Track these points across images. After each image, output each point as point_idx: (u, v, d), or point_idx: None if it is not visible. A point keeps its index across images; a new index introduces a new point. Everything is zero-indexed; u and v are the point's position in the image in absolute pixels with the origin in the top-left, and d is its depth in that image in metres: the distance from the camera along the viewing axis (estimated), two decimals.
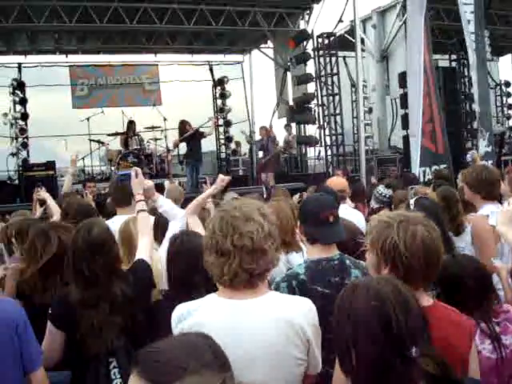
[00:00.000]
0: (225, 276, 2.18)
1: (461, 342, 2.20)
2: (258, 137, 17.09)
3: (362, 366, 1.72)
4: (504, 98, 22.93)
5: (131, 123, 15.45)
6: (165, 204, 4.24)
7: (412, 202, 3.76)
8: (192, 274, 2.98)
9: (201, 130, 14.02)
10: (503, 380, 2.63)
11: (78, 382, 3.02)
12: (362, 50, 16.43)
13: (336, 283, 2.88)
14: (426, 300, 2.29)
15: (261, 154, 16.06)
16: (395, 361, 1.66)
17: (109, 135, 15.93)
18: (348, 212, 4.92)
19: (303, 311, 2.29)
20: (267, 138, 15.48)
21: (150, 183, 4.04)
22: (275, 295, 2.36)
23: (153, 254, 3.53)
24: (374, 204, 6.04)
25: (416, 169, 11.28)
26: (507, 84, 22.93)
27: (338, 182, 5.53)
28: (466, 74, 16.37)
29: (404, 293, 1.78)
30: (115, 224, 4.20)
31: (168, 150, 15.49)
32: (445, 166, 11.28)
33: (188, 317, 2.21)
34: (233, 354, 1.86)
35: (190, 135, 13.67)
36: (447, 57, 18.31)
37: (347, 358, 1.76)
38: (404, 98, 15.34)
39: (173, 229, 4.02)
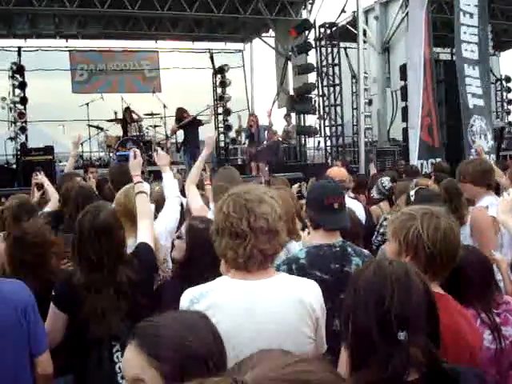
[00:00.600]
0: (239, 258, 2.22)
1: (469, 331, 2.24)
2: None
3: (352, 337, 1.76)
4: (504, 93, 22.94)
5: (126, 111, 15.37)
6: (168, 182, 4.31)
7: (412, 193, 3.76)
8: (204, 256, 2.99)
9: (198, 117, 13.98)
10: (502, 370, 2.66)
11: (81, 365, 3.03)
12: (364, 42, 16.35)
13: (336, 270, 2.91)
14: (438, 291, 2.31)
15: (247, 142, 15.91)
16: (379, 340, 1.68)
17: (108, 121, 15.89)
18: (347, 202, 4.93)
19: (313, 291, 2.36)
20: (256, 126, 15.18)
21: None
22: (285, 276, 2.43)
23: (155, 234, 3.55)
24: (375, 194, 6.08)
25: (415, 161, 11.32)
26: (507, 79, 22.93)
27: (337, 172, 5.54)
28: None
29: (412, 278, 1.78)
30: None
31: (167, 137, 15.48)
32: (440, 159, 11.31)
33: (201, 299, 2.23)
34: (249, 333, 1.85)
35: (188, 122, 13.64)
36: (448, 50, 18.31)
37: (346, 330, 1.80)
38: (404, 91, 15.33)
39: (169, 206, 4.13)
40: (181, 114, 13.93)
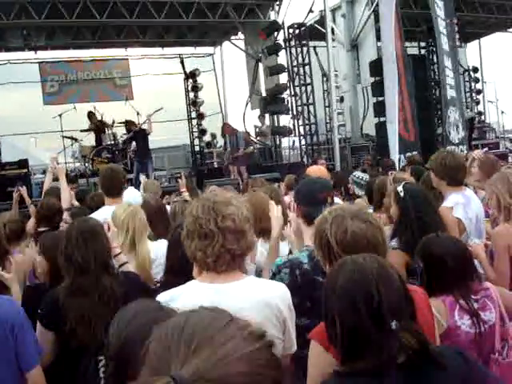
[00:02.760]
0: (208, 258, 2.29)
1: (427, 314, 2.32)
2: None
3: (344, 337, 1.80)
4: (472, 84, 23.28)
5: (90, 115, 15.34)
6: None
7: (400, 188, 3.76)
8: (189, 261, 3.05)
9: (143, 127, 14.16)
10: (484, 353, 2.76)
11: (67, 379, 3.07)
12: (333, 40, 16.51)
13: None
14: None
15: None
16: (375, 333, 1.74)
17: (81, 131, 15.82)
18: None
19: (279, 294, 2.43)
20: (233, 133, 15.40)
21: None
22: (253, 279, 2.50)
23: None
24: (358, 191, 6.12)
25: (395, 155, 11.41)
26: (475, 70, 23.28)
27: (317, 170, 5.58)
28: (436, 60, 16.60)
29: (387, 269, 1.86)
30: (104, 213, 4.26)
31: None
32: (415, 152, 11.47)
33: (171, 303, 2.24)
34: None
35: (134, 133, 13.89)
36: (416, 44, 18.57)
37: (332, 329, 1.84)
38: (376, 86, 15.52)
39: None
40: (130, 126, 14.21)
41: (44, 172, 14.05)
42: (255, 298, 2.34)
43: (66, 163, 16.39)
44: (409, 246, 3.39)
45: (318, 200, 3.12)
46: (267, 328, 2.27)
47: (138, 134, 13.92)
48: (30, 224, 6.37)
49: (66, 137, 15.74)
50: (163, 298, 2.34)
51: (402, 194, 3.66)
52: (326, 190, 3.21)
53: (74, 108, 15.46)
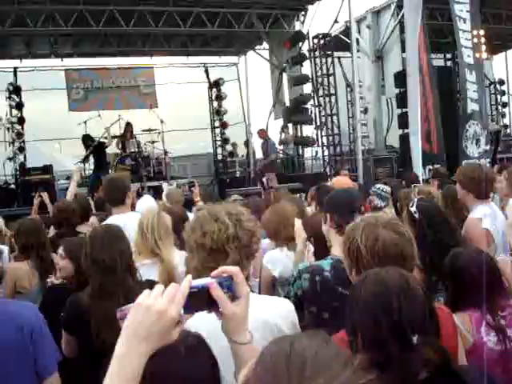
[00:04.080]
0: (191, 272, 2.24)
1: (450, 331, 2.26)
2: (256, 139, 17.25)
3: (365, 349, 1.76)
4: (498, 97, 23.03)
5: (128, 125, 15.50)
6: None
7: (414, 209, 3.71)
8: None
9: (101, 140, 14.33)
10: (508, 371, 2.70)
11: (88, 382, 3.07)
12: (357, 51, 16.46)
13: None
14: None
15: (261, 155, 16.30)
16: (396, 347, 1.70)
17: (106, 138, 15.94)
18: None
19: (280, 312, 2.34)
20: (265, 139, 15.72)
21: None
22: (253, 297, 2.36)
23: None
24: (379, 202, 6.06)
25: (419, 167, 11.27)
26: (501, 82, 23.03)
27: (343, 181, 5.52)
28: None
29: (411, 283, 1.83)
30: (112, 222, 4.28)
31: (165, 153, 15.54)
32: (439, 165, 11.33)
33: None
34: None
35: (94, 148, 13.99)
36: (441, 56, 18.44)
37: (354, 342, 1.81)
38: (401, 98, 15.43)
39: None
40: (86, 141, 14.34)
41: (68, 178, 14.19)
42: (252, 317, 2.26)
43: (90, 169, 16.57)
44: (425, 264, 3.32)
45: (354, 208, 3.11)
46: None
47: (96, 147, 14.02)
48: (51, 231, 6.44)
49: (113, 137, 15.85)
50: None
51: (416, 215, 3.59)
52: (359, 199, 3.21)
53: (99, 115, 15.58)
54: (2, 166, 16.21)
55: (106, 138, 14.97)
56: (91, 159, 14.60)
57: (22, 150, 16.83)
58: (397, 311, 1.73)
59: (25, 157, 16.95)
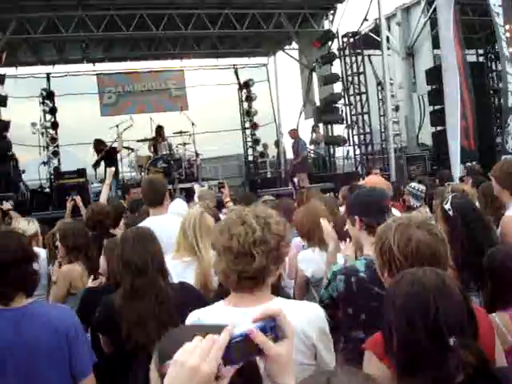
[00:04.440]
0: (218, 274, 2.28)
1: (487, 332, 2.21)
2: (287, 139, 17.27)
3: (400, 351, 1.75)
4: None
5: (160, 128, 15.62)
6: None
7: (448, 206, 3.64)
8: None
9: (113, 145, 14.39)
10: None
11: (120, 381, 3.12)
12: (388, 48, 16.34)
13: None
14: None
15: (291, 155, 16.31)
16: (432, 348, 1.68)
17: (138, 141, 16.10)
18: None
19: (308, 317, 2.31)
20: (296, 139, 15.77)
21: None
22: (280, 302, 2.34)
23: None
24: (414, 202, 5.96)
25: (457, 165, 11.09)
26: None
27: (376, 180, 5.45)
28: (495, 68, 16.21)
29: (448, 284, 1.80)
30: (148, 224, 4.31)
31: (196, 155, 15.62)
32: (475, 162, 11.17)
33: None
34: None
35: (105, 153, 14.01)
36: (473, 51, 18.16)
37: (389, 342, 1.80)
38: (433, 95, 15.26)
39: None
40: (98, 146, 14.29)
41: (101, 181, 14.36)
42: None
43: (122, 173, 16.74)
44: (457, 262, 3.25)
45: (383, 208, 3.08)
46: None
47: (108, 153, 14.02)
48: None
49: (122, 147, 16.04)
50: (191, 319, 2.35)
51: (450, 213, 3.51)
52: (387, 198, 3.18)
53: (131, 119, 15.72)
54: (37, 170, 16.46)
55: (128, 148, 15.20)
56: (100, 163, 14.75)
57: (56, 154, 17.10)
58: (433, 312, 1.71)
59: (59, 161, 17.21)
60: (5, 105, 14.51)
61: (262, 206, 3.23)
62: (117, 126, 15.22)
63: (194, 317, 2.35)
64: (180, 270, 3.76)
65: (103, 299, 3.31)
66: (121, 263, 3.19)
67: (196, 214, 4.00)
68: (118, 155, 15.23)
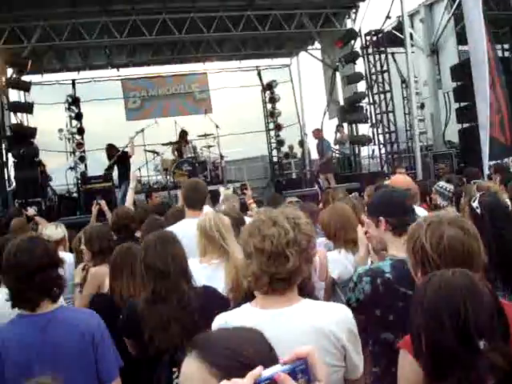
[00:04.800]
0: (249, 277, 2.25)
1: None
2: (311, 140, 17.25)
3: (429, 354, 1.73)
4: None
5: (184, 133, 15.70)
6: None
7: (476, 204, 3.57)
8: None
9: (125, 150, 14.36)
10: None
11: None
12: (411, 45, 16.20)
13: None
14: None
15: (316, 156, 16.31)
16: (461, 352, 1.65)
17: (163, 145, 16.22)
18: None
19: (336, 318, 2.28)
20: (320, 139, 15.76)
21: None
22: (309, 303, 2.33)
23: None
24: (441, 201, 5.87)
25: (486, 162, 10.91)
26: None
27: (403, 180, 5.35)
28: None
29: (478, 285, 1.77)
30: (184, 226, 4.30)
31: (221, 157, 15.67)
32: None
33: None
34: None
35: (118, 158, 14.00)
36: (499, 46, 17.90)
37: (418, 345, 1.77)
38: (459, 91, 15.08)
39: None
40: (110, 151, 14.30)
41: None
42: (307, 325, 2.21)
43: (148, 176, 16.86)
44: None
45: (408, 208, 3.05)
46: (320, 356, 2.18)
47: (120, 157, 14.02)
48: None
49: (148, 150, 16.17)
50: (218, 322, 2.33)
51: (478, 211, 3.44)
52: (410, 198, 3.14)
53: (156, 123, 15.83)
54: (64, 175, 16.64)
55: (153, 151, 15.27)
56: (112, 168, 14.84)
57: (82, 159, 17.26)
58: (463, 314, 1.68)
59: (85, 166, 17.38)
60: (31, 112, 14.73)
61: (289, 207, 3.22)
62: (142, 131, 15.35)
63: (221, 320, 2.33)
64: (210, 272, 3.75)
65: (129, 303, 3.33)
66: (143, 267, 3.19)
67: (213, 216, 3.99)
68: (143, 158, 15.36)
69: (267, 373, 1.20)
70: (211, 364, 1.30)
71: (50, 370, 2.54)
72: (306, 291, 2.59)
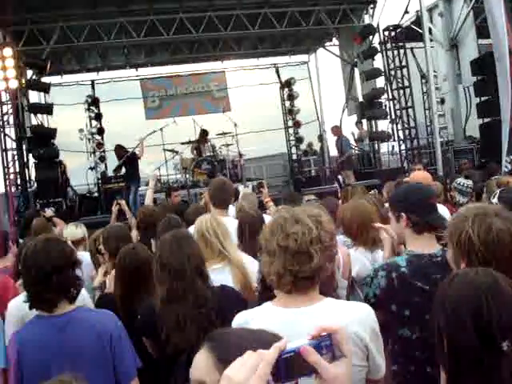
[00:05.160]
0: (271, 276, 2.22)
1: None
2: (330, 137, 17.19)
3: (450, 353, 1.70)
4: None
5: (204, 132, 15.73)
6: None
7: (495, 200, 3.53)
8: None
9: (134, 151, 14.24)
10: None
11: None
12: (430, 40, 16.04)
13: (437, 280, 2.77)
14: None
15: (335, 153, 16.25)
16: (483, 352, 1.62)
17: (182, 144, 16.26)
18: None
19: (359, 317, 2.26)
20: (339, 136, 15.71)
21: None
22: (331, 302, 2.32)
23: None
24: (460, 199, 5.79)
25: (504, 157, 10.77)
26: None
27: (423, 176, 5.30)
28: None
29: (502, 285, 1.73)
30: None
31: (240, 155, 15.66)
32: None
33: (246, 326, 2.20)
34: None
35: (126, 158, 13.95)
36: None
37: (440, 347, 1.75)
38: (479, 86, 14.91)
39: None
40: (118, 151, 14.21)
41: (147, 184, 14.52)
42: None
43: (167, 175, 16.92)
44: None
45: (428, 207, 2.99)
46: None
47: (129, 158, 14.01)
48: (133, 236, 6.62)
49: (167, 150, 16.21)
50: (238, 321, 2.32)
51: (494, 200, 3.40)
52: (433, 196, 3.11)
53: (175, 122, 15.88)
54: (85, 175, 16.77)
55: (172, 150, 15.31)
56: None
57: (102, 159, 17.39)
58: (485, 315, 1.64)
59: (106, 166, 17.50)
60: (51, 113, 14.86)
61: (308, 205, 3.20)
62: (161, 130, 15.40)
63: (242, 318, 2.32)
64: (212, 278, 3.72)
65: (146, 303, 3.33)
66: (158, 266, 3.18)
67: (209, 219, 3.95)
68: (162, 158, 15.41)
69: (292, 345, 1.19)
70: (218, 358, 1.31)
71: (68, 370, 2.57)
72: (328, 290, 2.58)
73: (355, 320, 2.24)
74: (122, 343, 2.78)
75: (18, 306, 3.31)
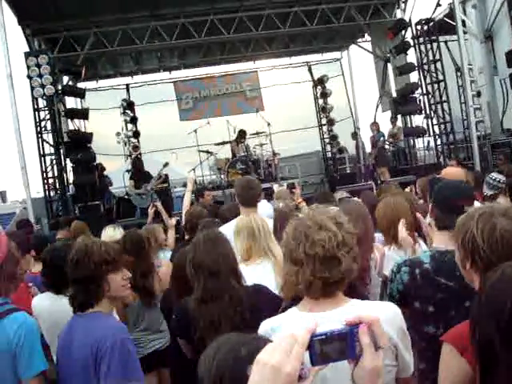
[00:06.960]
0: (300, 285, 2.19)
1: None
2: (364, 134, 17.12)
3: (476, 348, 1.69)
4: None
5: (242, 132, 15.78)
6: None
7: None
8: None
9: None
10: None
11: None
12: (464, 33, 15.80)
13: (460, 277, 2.78)
14: None
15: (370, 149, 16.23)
16: (501, 351, 1.59)
17: (216, 144, 16.33)
18: None
19: (386, 317, 2.21)
20: (377, 132, 15.66)
21: None
22: (357, 304, 2.29)
23: None
24: (487, 191, 5.75)
25: None
26: None
27: (454, 172, 5.22)
28: None
29: None
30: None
31: (274, 154, 15.67)
32: None
33: (272, 334, 2.19)
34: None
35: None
36: None
37: (472, 338, 1.73)
38: None
39: None
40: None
41: (184, 185, 14.64)
42: None
43: (202, 176, 17.03)
44: None
45: (452, 207, 2.92)
46: None
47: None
48: (170, 237, 6.72)
49: (201, 151, 16.31)
50: (264, 328, 2.31)
51: None
52: (465, 198, 3.00)
53: (208, 123, 15.97)
54: (122, 178, 16.99)
55: (207, 151, 15.47)
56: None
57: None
58: (507, 310, 1.60)
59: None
60: (87, 117, 15.10)
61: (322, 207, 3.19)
62: (195, 131, 15.52)
63: (267, 326, 2.30)
64: (257, 272, 3.77)
65: (180, 303, 3.37)
66: (192, 267, 3.21)
67: (255, 218, 4.01)
68: (197, 159, 15.56)
69: (323, 328, 1.21)
70: None
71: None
72: (357, 291, 2.58)
73: (383, 320, 2.21)
74: (111, 357, 2.65)
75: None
